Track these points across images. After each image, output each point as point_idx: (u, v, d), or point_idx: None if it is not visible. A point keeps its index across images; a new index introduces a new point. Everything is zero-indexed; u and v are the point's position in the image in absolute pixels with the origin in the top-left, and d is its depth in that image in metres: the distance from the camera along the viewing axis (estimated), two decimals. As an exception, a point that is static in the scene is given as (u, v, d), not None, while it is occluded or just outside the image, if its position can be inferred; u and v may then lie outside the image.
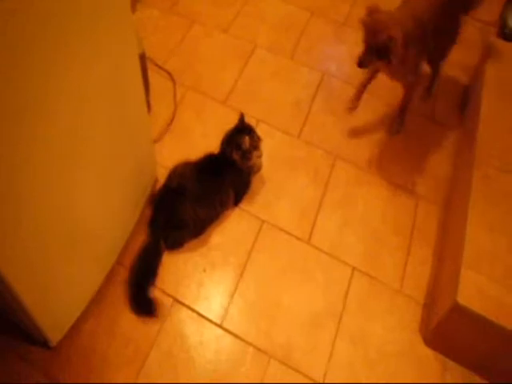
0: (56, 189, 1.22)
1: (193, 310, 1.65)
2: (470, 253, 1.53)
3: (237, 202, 1.87)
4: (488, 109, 1.89)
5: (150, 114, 1.90)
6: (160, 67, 2.21)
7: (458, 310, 1.44)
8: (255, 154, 1.77)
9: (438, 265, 1.79)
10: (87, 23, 1.11)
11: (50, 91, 1.06)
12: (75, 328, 1.55)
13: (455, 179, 1.98)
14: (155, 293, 1.65)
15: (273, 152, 2.00)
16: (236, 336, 1.61)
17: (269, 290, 1.71)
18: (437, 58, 2.09)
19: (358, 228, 1.87)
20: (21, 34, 0.91)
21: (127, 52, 1.36)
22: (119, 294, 1.64)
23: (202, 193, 1.71)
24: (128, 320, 1.60)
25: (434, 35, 1.78)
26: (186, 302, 1.66)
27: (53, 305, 1.43)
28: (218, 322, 1.63)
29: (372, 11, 1.70)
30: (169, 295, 1.66)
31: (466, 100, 2.23)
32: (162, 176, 1.83)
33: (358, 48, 1.70)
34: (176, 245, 1.75)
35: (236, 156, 1.74)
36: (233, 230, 1.82)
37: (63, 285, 1.43)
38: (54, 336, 1.49)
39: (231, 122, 1.82)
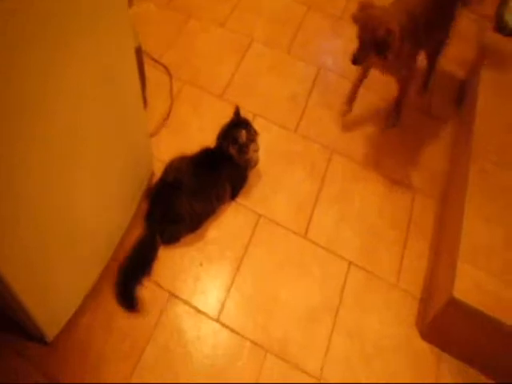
0: (53, 184, 1.21)
1: (189, 305, 1.64)
2: (467, 247, 1.53)
3: (233, 196, 1.86)
4: (484, 103, 1.89)
5: (146, 109, 1.89)
6: (156, 61, 2.20)
7: (455, 304, 1.45)
8: (252, 147, 1.77)
9: (434, 259, 1.80)
10: (84, 18, 1.11)
11: (48, 88, 1.06)
12: (72, 323, 1.55)
13: (452, 173, 1.98)
14: (151, 287, 1.65)
15: (269, 146, 2.00)
16: (233, 330, 1.61)
17: (265, 284, 1.71)
18: (432, 52, 2.09)
19: (355, 222, 1.87)
20: (20, 32, 0.90)
21: (123, 46, 1.36)
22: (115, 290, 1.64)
23: (199, 187, 1.70)
24: (124, 315, 1.59)
25: (426, 29, 1.77)
26: (183, 297, 1.65)
27: (49, 300, 1.42)
28: (215, 316, 1.63)
29: (364, 6, 1.69)
30: (165, 290, 1.66)
31: (462, 94, 2.23)
32: (158, 170, 1.82)
33: (354, 43, 1.69)
34: (172, 239, 1.74)
35: (232, 150, 1.73)
36: (229, 224, 1.82)
37: (59, 280, 1.43)
38: (51, 331, 1.49)
39: (228, 116, 1.82)
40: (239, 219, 1.83)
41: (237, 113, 1.81)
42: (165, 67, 2.19)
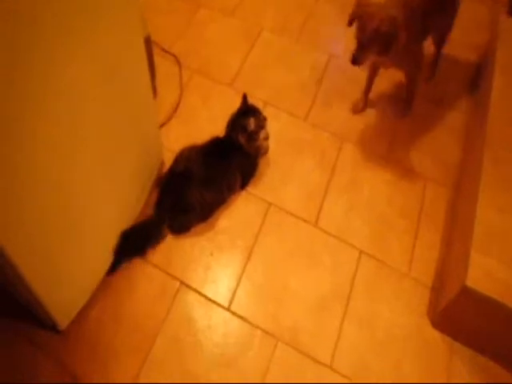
0: (63, 174, 1.21)
1: (200, 294, 1.65)
2: (480, 236, 1.51)
3: (244, 185, 1.86)
4: (499, 90, 1.85)
5: (155, 98, 1.89)
6: (166, 51, 2.20)
7: (467, 293, 1.43)
8: (262, 134, 1.76)
9: (446, 248, 1.78)
10: (93, 8, 1.10)
11: (58, 80, 1.06)
12: (83, 314, 1.56)
13: (465, 162, 1.96)
14: (161, 276, 1.65)
15: (279, 135, 1.99)
16: (243, 319, 1.61)
17: (276, 273, 1.71)
18: (436, 40, 2.07)
19: (365, 211, 1.86)
20: (26, 18, 0.90)
21: (133, 36, 1.35)
22: (125, 281, 1.64)
23: (209, 176, 1.70)
24: (134, 305, 1.60)
25: (425, 20, 1.75)
26: (194, 286, 1.66)
27: (61, 289, 1.44)
28: (226, 305, 1.64)
29: (361, 3, 1.66)
30: (176, 279, 1.66)
31: (475, 81, 2.19)
32: (168, 160, 1.82)
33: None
34: (183, 229, 1.75)
35: (242, 139, 1.73)
36: (240, 213, 1.82)
37: (71, 269, 1.44)
38: (63, 320, 1.51)
39: (238, 105, 1.81)
40: (249, 208, 1.83)
41: (244, 101, 1.80)
42: (174, 57, 2.18)
